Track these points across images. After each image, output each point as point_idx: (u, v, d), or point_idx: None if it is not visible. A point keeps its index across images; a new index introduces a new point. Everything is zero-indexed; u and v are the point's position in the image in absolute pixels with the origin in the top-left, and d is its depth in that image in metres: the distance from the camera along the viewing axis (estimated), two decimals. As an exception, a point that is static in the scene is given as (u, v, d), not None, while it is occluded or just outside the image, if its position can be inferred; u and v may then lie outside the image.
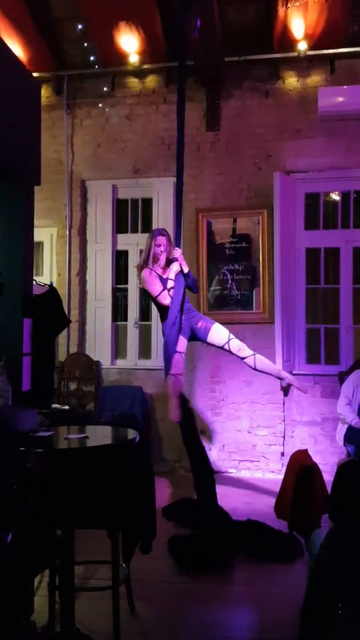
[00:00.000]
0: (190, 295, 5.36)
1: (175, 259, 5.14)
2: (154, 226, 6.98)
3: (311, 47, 6.36)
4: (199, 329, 5.22)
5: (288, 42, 6.35)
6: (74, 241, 7.14)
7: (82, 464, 2.88)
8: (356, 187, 6.68)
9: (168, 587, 3.76)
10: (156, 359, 6.87)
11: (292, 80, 6.72)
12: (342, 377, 6.08)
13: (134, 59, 6.63)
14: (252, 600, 3.62)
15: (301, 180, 6.71)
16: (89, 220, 7.22)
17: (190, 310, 5.24)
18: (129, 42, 6.47)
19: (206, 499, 4.96)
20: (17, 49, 6.39)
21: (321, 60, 6.59)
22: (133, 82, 7.06)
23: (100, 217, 7.18)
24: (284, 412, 6.57)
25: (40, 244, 7.15)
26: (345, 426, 5.54)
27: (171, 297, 5.03)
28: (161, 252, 5.15)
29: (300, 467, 3.71)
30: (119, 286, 7.20)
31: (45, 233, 7.12)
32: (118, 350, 7.17)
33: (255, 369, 5.26)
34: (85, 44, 6.68)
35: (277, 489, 4.19)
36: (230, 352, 5.25)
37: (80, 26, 6.50)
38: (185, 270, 5.21)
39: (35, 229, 3.77)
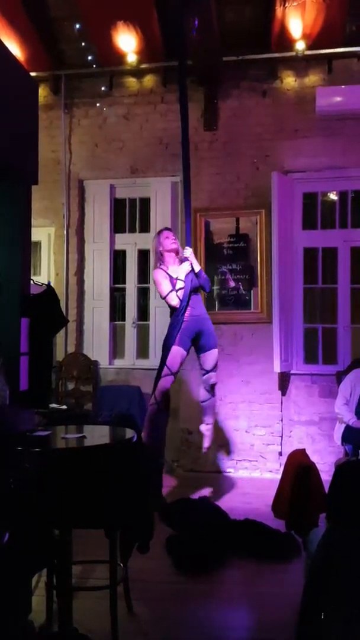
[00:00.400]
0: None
1: (186, 258, 5.16)
2: (152, 226, 7.00)
3: (309, 47, 6.36)
4: (202, 345, 5.25)
5: (286, 41, 6.35)
6: (72, 241, 7.13)
7: (79, 463, 2.88)
8: (354, 186, 6.68)
9: (166, 587, 3.76)
10: (154, 359, 6.86)
11: (289, 80, 6.72)
12: (339, 376, 6.09)
13: (131, 58, 6.63)
14: (250, 599, 3.62)
15: (299, 180, 6.71)
16: (87, 220, 7.22)
17: (202, 316, 5.24)
18: (126, 42, 6.46)
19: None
20: (15, 48, 6.38)
21: (319, 60, 6.60)
22: (131, 81, 7.06)
23: (98, 217, 7.18)
24: (281, 411, 6.57)
25: (38, 243, 7.15)
26: (343, 426, 5.54)
27: (179, 298, 5.03)
28: (172, 242, 5.18)
29: (298, 466, 3.71)
30: (116, 286, 7.20)
31: (42, 233, 7.12)
32: (116, 350, 7.17)
33: (201, 401, 5.54)
34: (83, 44, 6.67)
35: (275, 488, 4.20)
36: (203, 375, 5.42)
37: (78, 26, 6.49)
38: (197, 269, 5.22)
39: (32, 229, 3.77)
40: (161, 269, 5.16)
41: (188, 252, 5.21)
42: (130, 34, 6.36)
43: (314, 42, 6.31)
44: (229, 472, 6.62)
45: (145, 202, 7.16)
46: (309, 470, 3.67)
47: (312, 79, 6.66)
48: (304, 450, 4.17)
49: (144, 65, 6.80)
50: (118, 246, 7.22)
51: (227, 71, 6.69)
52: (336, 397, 5.69)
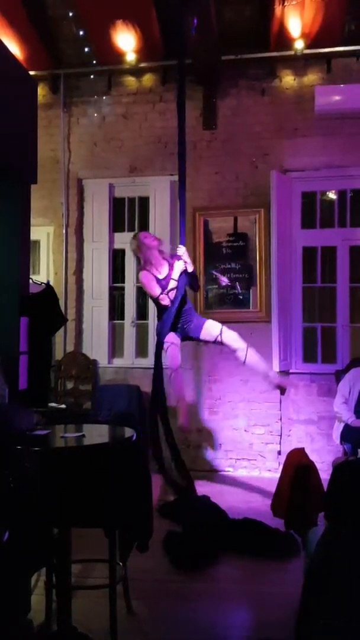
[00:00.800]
0: (188, 293, 5.37)
1: (179, 257, 5.13)
2: (151, 225, 7.00)
3: (308, 46, 6.37)
4: (191, 329, 5.23)
5: (285, 40, 6.35)
6: (71, 240, 7.13)
7: (79, 462, 2.87)
8: (353, 185, 6.69)
9: (165, 586, 3.76)
10: (153, 358, 6.86)
11: (288, 79, 6.72)
12: (338, 375, 6.09)
13: (130, 57, 6.63)
14: (249, 598, 3.62)
15: (298, 179, 6.71)
16: (86, 219, 7.21)
17: (187, 311, 5.25)
18: (125, 41, 6.46)
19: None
20: (14, 47, 6.38)
21: (318, 59, 6.60)
22: (130, 80, 7.06)
23: (97, 216, 7.18)
24: (280, 410, 6.58)
25: (37, 242, 7.14)
26: (342, 425, 5.54)
27: (170, 299, 5.03)
28: (153, 239, 5.16)
29: (297, 465, 3.72)
30: (115, 285, 7.20)
31: (41, 232, 7.11)
32: (115, 349, 7.17)
33: (244, 363, 5.24)
34: (82, 43, 6.68)
35: (273, 487, 4.20)
36: (222, 343, 5.21)
37: (76, 25, 6.49)
38: (190, 269, 5.20)
39: (31, 228, 3.76)
40: (147, 270, 5.14)
41: (182, 250, 5.19)
42: (129, 33, 6.36)
43: (313, 41, 6.32)
44: (228, 471, 6.62)
45: (144, 201, 7.15)
46: (308, 469, 3.67)
47: (311, 78, 6.66)
48: (303, 449, 4.17)
49: (142, 65, 6.80)
50: (117, 245, 7.21)
51: (226, 70, 6.69)
52: (335, 396, 5.69)
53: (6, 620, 2.75)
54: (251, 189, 6.70)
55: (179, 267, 5.13)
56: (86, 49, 6.72)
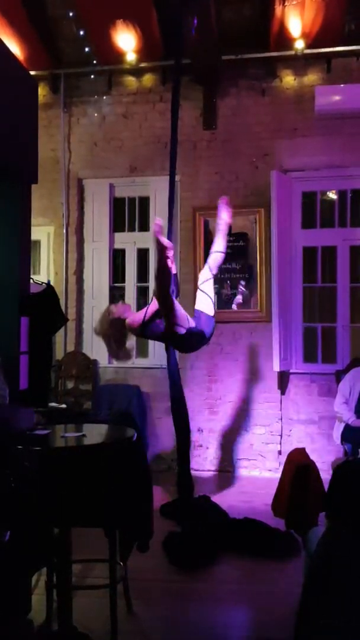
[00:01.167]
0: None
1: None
2: (151, 225, 6.98)
3: (308, 46, 6.36)
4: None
5: (285, 40, 6.35)
6: (71, 240, 7.13)
7: (79, 462, 2.87)
8: (353, 185, 6.68)
9: (165, 586, 3.77)
10: (153, 358, 6.88)
11: (289, 79, 6.72)
12: (339, 375, 6.09)
13: (130, 57, 6.63)
14: (249, 598, 3.62)
15: (298, 178, 6.71)
16: (86, 219, 7.21)
17: None
18: (125, 41, 6.46)
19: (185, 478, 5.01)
20: (14, 47, 6.37)
21: (318, 59, 6.60)
22: (130, 80, 7.06)
23: (97, 216, 7.18)
24: (280, 410, 6.58)
25: (37, 242, 7.14)
26: (342, 425, 5.54)
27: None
28: None
29: (298, 465, 3.72)
30: (116, 285, 7.20)
31: (42, 232, 7.11)
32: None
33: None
34: (82, 43, 6.68)
35: (274, 487, 4.21)
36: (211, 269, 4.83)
37: (77, 25, 6.49)
38: (174, 271, 5.10)
39: (32, 228, 3.77)
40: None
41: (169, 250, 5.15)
42: (129, 33, 6.36)
43: (313, 41, 6.32)
44: (228, 471, 6.62)
45: (144, 201, 7.15)
46: (308, 469, 3.68)
47: (311, 77, 6.66)
48: (303, 449, 4.18)
49: (143, 64, 6.80)
50: (117, 245, 7.21)
51: (226, 70, 6.69)
52: (335, 396, 5.70)
53: (6, 620, 2.75)
54: (251, 188, 6.70)
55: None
56: (86, 49, 6.72)
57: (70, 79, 7.11)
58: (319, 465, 3.90)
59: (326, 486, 2.46)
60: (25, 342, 3.52)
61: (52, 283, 6.00)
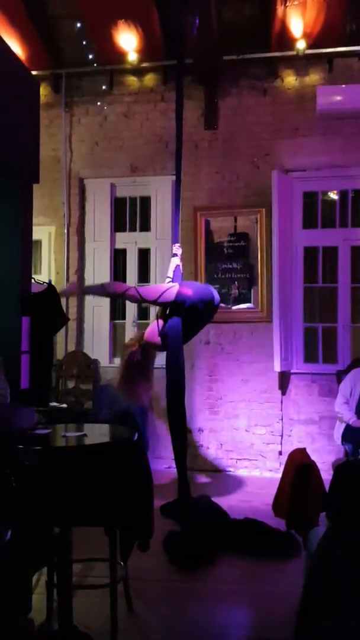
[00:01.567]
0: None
1: (175, 254, 5.26)
2: (152, 225, 7.00)
3: (309, 46, 6.36)
4: None
5: (286, 40, 6.35)
6: (72, 239, 7.13)
7: (80, 462, 2.88)
8: (354, 185, 6.68)
9: (166, 585, 3.77)
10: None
11: (290, 79, 6.72)
12: (339, 375, 6.09)
13: (132, 57, 6.63)
14: (249, 598, 3.62)
15: (299, 179, 6.71)
16: (87, 219, 7.22)
17: None
18: (127, 41, 6.47)
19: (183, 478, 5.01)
20: (15, 47, 6.38)
21: (319, 59, 6.60)
22: (131, 80, 7.06)
23: (99, 216, 7.18)
24: (281, 410, 6.58)
25: (39, 242, 7.15)
26: (343, 425, 5.55)
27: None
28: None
29: (298, 465, 3.72)
30: (117, 285, 7.20)
31: (43, 231, 7.12)
32: (116, 348, 7.17)
33: None
34: (84, 42, 6.68)
35: (274, 487, 4.21)
36: None
37: (78, 24, 6.49)
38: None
39: (33, 228, 3.77)
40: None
41: (176, 248, 5.32)
42: (130, 33, 6.37)
43: (315, 41, 6.32)
44: (229, 471, 6.62)
45: (145, 201, 7.15)
46: (309, 470, 3.68)
47: (313, 78, 6.66)
48: (304, 449, 4.17)
49: (144, 64, 6.81)
50: (118, 245, 7.22)
51: (227, 70, 6.69)
52: (336, 396, 5.70)
53: (7, 619, 2.75)
54: (252, 188, 6.70)
55: (173, 263, 5.25)
56: (88, 49, 6.73)
57: (72, 79, 7.11)
58: (319, 465, 3.90)
59: (327, 486, 2.46)
60: (26, 341, 3.53)
61: (53, 283, 6.02)
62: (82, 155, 7.14)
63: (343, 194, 6.74)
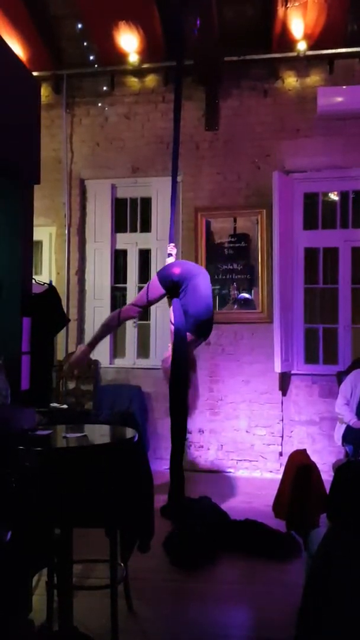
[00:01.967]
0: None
1: (170, 254, 5.40)
2: (153, 226, 7.00)
3: (310, 47, 6.37)
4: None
5: (287, 41, 6.36)
6: (73, 240, 7.14)
7: (80, 462, 2.88)
8: (355, 186, 6.69)
9: (166, 586, 3.77)
10: (154, 359, 6.88)
11: (291, 80, 6.72)
12: (340, 377, 6.09)
13: (133, 58, 6.64)
14: (250, 599, 3.62)
15: (300, 179, 6.71)
16: (88, 220, 7.22)
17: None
18: (128, 41, 6.47)
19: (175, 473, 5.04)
20: (16, 47, 6.38)
21: (320, 60, 6.60)
22: (132, 81, 7.06)
23: (99, 216, 7.18)
24: (282, 411, 6.58)
25: (39, 243, 7.15)
26: (344, 426, 5.55)
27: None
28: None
29: (299, 466, 3.71)
30: (117, 285, 7.20)
31: (44, 232, 7.12)
32: (116, 349, 7.17)
33: None
34: (85, 43, 6.69)
35: (275, 488, 4.20)
36: None
37: (79, 25, 6.50)
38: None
39: (34, 228, 3.77)
40: None
41: (171, 248, 5.48)
42: (131, 34, 6.37)
43: (316, 42, 6.32)
44: (229, 472, 6.62)
45: (146, 202, 7.16)
46: (310, 471, 3.67)
47: (314, 79, 6.66)
48: (304, 450, 4.17)
49: (145, 65, 6.81)
50: (119, 246, 7.22)
51: (228, 71, 6.70)
52: (336, 397, 5.70)
53: (7, 620, 2.75)
54: (253, 189, 6.71)
55: (168, 263, 5.37)
56: (89, 50, 6.73)
57: (73, 80, 7.12)
58: (320, 466, 3.89)
59: (327, 487, 2.46)
60: (26, 342, 3.53)
61: (53, 283, 6.02)
62: (83, 156, 7.15)
63: (344, 195, 6.74)
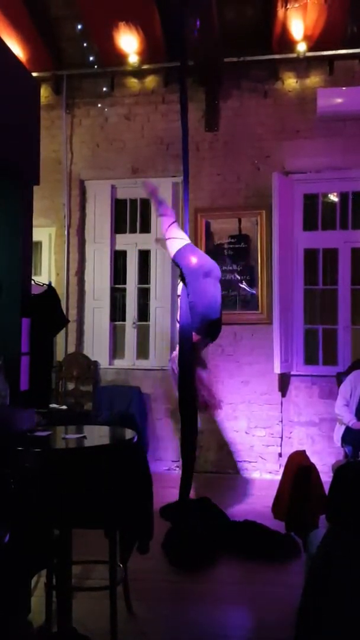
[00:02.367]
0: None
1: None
2: (153, 226, 7.00)
3: (310, 48, 6.37)
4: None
5: (287, 42, 6.36)
6: (73, 241, 7.13)
7: (79, 463, 2.88)
8: (354, 187, 6.68)
9: (165, 587, 3.76)
10: (154, 359, 6.88)
11: (291, 81, 6.73)
12: (340, 377, 6.08)
13: (133, 59, 6.64)
14: (249, 600, 3.62)
15: (299, 180, 6.71)
16: (88, 220, 7.22)
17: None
18: (128, 42, 6.47)
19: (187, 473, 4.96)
20: (16, 48, 6.38)
21: (320, 61, 6.60)
22: (132, 82, 7.06)
23: (99, 217, 7.18)
24: (281, 412, 6.57)
25: (39, 243, 7.15)
26: (343, 427, 5.54)
27: None
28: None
29: (298, 467, 3.72)
30: (117, 286, 7.20)
31: (43, 233, 7.12)
32: (116, 350, 7.17)
33: None
34: (85, 44, 6.69)
35: (274, 489, 4.21)
36: None
37: (79, 26, 6.50)
38: None
39: (33, 229, 3.77)
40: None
41: None
42: (131, 35, 6.38)
43: (316, 43, 6.32)
44: (229, 472, 6.61)
45: (146, 203, 7.15)
46: (309, 472, 3.68)
47: (313, 80, 6.66)
48: (303, 451, 4.17)
49: (145, 66, 6.81)
50: (119, 246, 7.21)
51: (228, 72, 6.70)
52: (336, 399, 5.69)
53: (6, 621, 2.75)
54: (253, 190, 6.71)
55: None
56: (89, 51, 6.73)
57: (73, 80, 7.12)
58: (319, 467, 3.90)
59: (327, 488, 2.46)
60: (26, 343, 3.53)
61: (53, 284, 6.01)
62: (82, 156, 7.15)
63: (343, 196, 6.74)
